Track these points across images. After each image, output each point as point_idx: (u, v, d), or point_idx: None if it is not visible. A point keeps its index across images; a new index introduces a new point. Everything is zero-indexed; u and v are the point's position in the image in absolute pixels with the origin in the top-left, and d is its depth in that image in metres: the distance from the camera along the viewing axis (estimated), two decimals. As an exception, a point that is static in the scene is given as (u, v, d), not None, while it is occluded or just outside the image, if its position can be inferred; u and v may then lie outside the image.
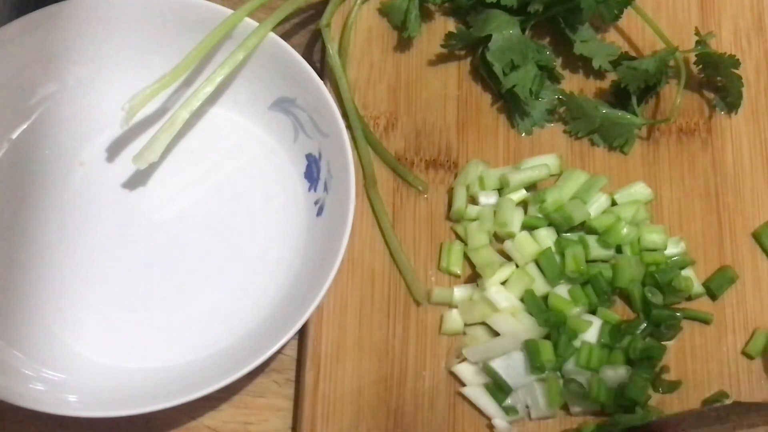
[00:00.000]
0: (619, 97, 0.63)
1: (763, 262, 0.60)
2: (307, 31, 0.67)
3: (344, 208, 0.55)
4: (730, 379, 0.57)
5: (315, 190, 0.59)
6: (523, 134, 0.62)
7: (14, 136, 0.60)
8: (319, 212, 0.58)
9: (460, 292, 0.58)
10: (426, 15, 0.65)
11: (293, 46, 0.59)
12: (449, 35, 0.63)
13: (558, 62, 0.64)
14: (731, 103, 0.64)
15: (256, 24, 0.59)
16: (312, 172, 0.59)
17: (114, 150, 0.61)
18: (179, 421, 0.55)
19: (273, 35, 0.59)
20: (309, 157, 0.60)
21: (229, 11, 0.59)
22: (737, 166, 0.63)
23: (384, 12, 0.65)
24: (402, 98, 0.63)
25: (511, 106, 0.63)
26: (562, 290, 0.57)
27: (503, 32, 0.61)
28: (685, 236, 0.60)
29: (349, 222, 0.54)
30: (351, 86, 0.63)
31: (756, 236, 0.60)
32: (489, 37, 0.61)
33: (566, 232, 0.59)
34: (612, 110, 0.62)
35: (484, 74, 0.63)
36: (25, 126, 0.60)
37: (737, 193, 0.62)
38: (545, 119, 0.63)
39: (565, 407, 0.56)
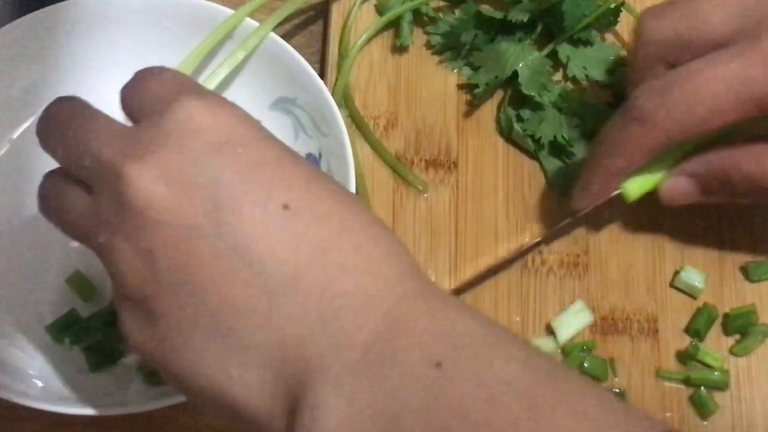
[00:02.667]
0: (617, 98, 0.63)
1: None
2: (308, 32, 0.67)
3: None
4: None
5: (315, 190, 0.59)
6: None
7: (15, 135, 0.60)
8: (320, 211, 0.58)
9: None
10: (421, 23, 0.65)
11: (293, 46, 0.59)
12: (473, 86, 0.63)
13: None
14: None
15: (256, 24, 0.59)
16: (312, 172, 0.59)
17: (114, 150, 0.61)
18: (179, 419, 0.55)
19: (273, 35, 0.59)
20: (309, 156, 0.60)
21: (230, 11, 0.59)
22: (737, 166, 0.63)
23: (379, 9, 0.65)
24: (402, 98, 0.63)
25: (545, 165, 0.62)
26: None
27: (525, 61, 0.61)
28: (684, 236, 0.60)
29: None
30: (351, 86, 0.63)
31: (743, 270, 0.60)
32: (514, 74, 0.61)
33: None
34: (611, 111, 0.62)
35: (517, 137, 0.62)
36: (25, 126, 0.60)
37: (737, 193, 0.62)
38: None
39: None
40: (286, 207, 0.38)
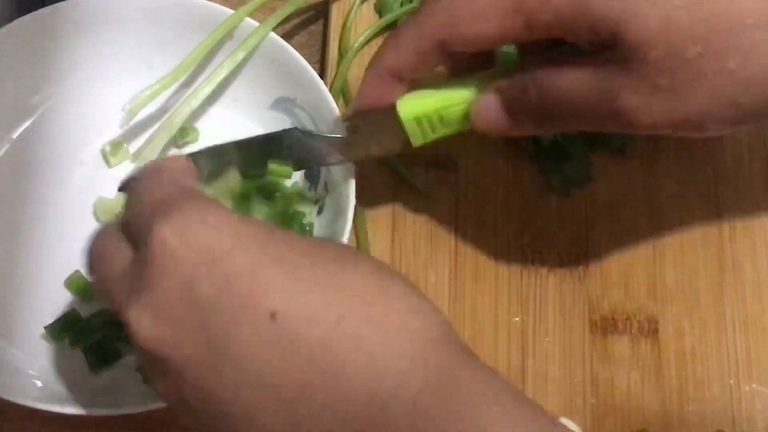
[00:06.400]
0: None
1: (763, 261, 0.60)
2: (308, 32, 0.67)
3: (344, 207, 0.55)
4: (730, 377, 0.57)
5: (315, 190, 0.59)
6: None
7: (15, 135, 0.60)
8: (320, 212, 0.58)
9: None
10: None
11: (294, 46, 0.59)
12: None
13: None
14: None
15: (256, 24, 0.59)
16: (312, 172, 0.59)
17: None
18: (179, 420, 0.55)
19: (273, 35, 0.59)
20: (309, 156, 0.60)
21: (230, 11, 0.59)
22: (737, 166, 0.63)
23: (377, 9, 0.65)
24: (402, 98, 0.63)
25: (545, 165, 0.62)
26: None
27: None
28: (684, 237, 0.60)
29: (349, 221, 0.54)
30: (351, 86, 0.63)
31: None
32: None
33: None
34: (611, 111, 0.62)
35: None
36: (25, 126, 0.61)
37: (737, 193, 0.62)
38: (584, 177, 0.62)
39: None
40: (273, 315, 0.37)
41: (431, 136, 0.51)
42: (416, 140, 0.51)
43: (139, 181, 0.43)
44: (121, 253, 0.41)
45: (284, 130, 0.53)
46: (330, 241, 0.47)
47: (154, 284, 0.38)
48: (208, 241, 0.38)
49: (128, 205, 0.43)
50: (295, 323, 0.37)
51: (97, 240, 0.43)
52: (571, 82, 0.45)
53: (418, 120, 0.50)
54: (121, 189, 0.48)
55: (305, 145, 0.53)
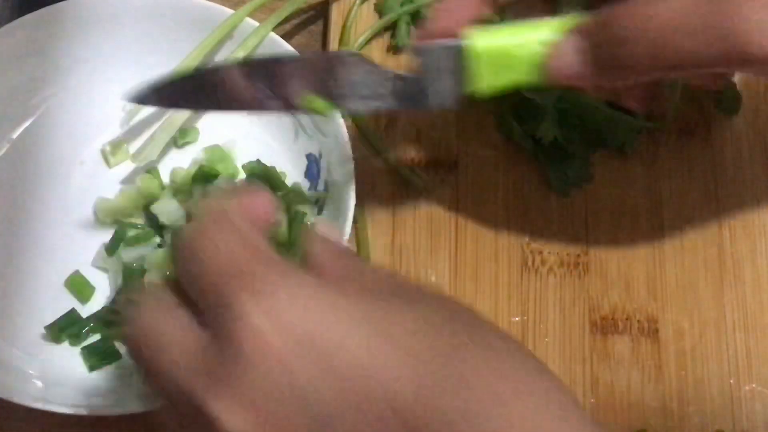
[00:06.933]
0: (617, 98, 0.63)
1: (763, 261, 0.60)
2: (308, 32, 0.67)
3: (344, 207, 0.55)
4: (730, 377, 0.57)
5: (315, 190, 0.59)
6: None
7: (15, 135, 0.60)
8: (320, 212, 0.58)
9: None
10: (420, 25, 0.65)
11: (294, 46, 0.59)
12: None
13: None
14: (728, 108, 0.64)
15: (256, 24, 0.59)
16: (312, 172, 0.60)
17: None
18: (179, 419, 0.55)
19: (273, 35, 0.59)
20: (309, 156, 0.60)
21: (230, 11, 0.59)
22: (737, 166, 0.63)
23: (377, 9, 0.65)
24: (402, 98, 0.63)
25: (545, 165, 0.62)
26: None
27: None
28: (684, 237, 0.60)
29: (349, 221, 0.54)
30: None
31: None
32: None
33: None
34: (611, 110, 0.62)
35: (517, 137, 0.62)
36: (25, 126, 0.61)
37: (737, 193, 0.62)
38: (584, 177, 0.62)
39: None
40: (395, 411, 0.33)
41: (494, 82, 0.47)
42: (479, 82, 0.47)
43: (194, 228, 0.36)
44: (182, 328, 0.35)
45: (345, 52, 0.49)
46: (447, 299, 0.39)
47: (247, 374, 0.33)
48: (310, 331, 0.33)
49: (182, 261, 0.36)
50: (426, 423, 0.33)
51: (143, 314, 0.36)
52: (675, 6, 0.40)
53: (487, 53, 0.46)
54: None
55: (360, 77, 0.47)
